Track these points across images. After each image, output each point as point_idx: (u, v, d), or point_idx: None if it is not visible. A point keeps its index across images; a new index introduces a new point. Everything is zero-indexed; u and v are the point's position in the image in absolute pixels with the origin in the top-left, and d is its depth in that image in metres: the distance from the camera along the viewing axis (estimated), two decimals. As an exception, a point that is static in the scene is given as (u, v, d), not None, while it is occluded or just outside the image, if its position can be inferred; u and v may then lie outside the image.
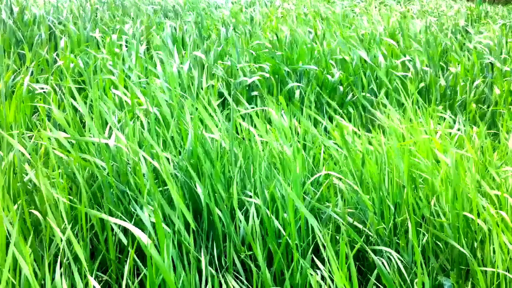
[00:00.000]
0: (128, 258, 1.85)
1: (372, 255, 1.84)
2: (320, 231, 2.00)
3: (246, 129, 2.53)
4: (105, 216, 1.79)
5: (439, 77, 4.13)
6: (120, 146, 2.13)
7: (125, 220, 1.89)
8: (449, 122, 3.08)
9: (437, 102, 3.83)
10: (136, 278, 1.93)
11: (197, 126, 2.24)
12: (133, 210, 2.01)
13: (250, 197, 2.10)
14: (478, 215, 2.01)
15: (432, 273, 1.98)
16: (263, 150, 2.38)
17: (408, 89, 3.66)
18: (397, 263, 1.94)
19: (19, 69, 3.72)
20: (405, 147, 2.25)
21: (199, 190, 2.04)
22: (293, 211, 1.89)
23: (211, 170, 2.09)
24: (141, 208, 2.02)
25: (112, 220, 1.79)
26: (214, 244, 2.04)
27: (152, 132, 2.33)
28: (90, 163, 2.10)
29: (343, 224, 2.05)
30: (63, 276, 1.68)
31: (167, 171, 1.97)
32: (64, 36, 4.55)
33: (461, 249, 1.91)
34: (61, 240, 1.72)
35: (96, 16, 5.74)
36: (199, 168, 2.15)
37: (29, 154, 2.17)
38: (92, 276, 1.88)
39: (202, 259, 1.78)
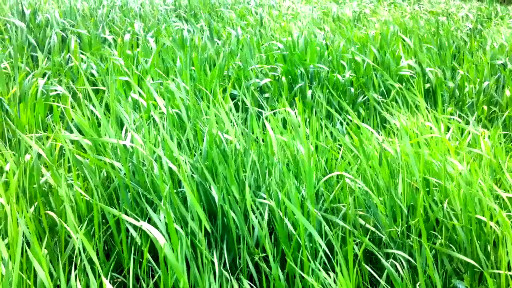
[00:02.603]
0: (143, 258, 1.87)
1: (382, 259, 1.84)
2: (331, 235, 2.01)
3: (261, 130, 2.54)
4: (120, 214, 1.80)
5: (450, 79, 4.12)
6: (137, 147, 2.14)
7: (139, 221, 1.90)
8: (459, 123, 3.08)
9: (446, 104, 3.82)
10: (151, 280, 1.95)
11: (211, 128, 2.26)
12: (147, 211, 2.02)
13: (264, 199, 2.11)
14: (491, 218, 2.02)
15: (446, 275, 1.99)
16: (277, 152, 2.39)
17: (414, 91, 3.66)
18: (409, 266, 1.95)
19: (32, 71, 3.75)
20: (419, 150, 2.25)
21: (214, 192, 2.06)
22: (301, 214, 1.90)
23: (226, 172, 2.10)
24: (155, 210, 2.04)
25: (126, 218, 1.80)
26: (229, 245, 2.05)
27: (167, 133, 2.35)
28: (106, 164, 2.11)
29: (354, 227, 2.06)
30: (78, 276, 1.70)
31: (184, 172, 1.99)
32: (76, 37, 4.58)
33: (467, 258, 1.91)
34: (76, 243, 1.74)
35: (108, 17, 5.77)
36: (214, 170, 2.17)
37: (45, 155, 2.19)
38: (107, 276, 1.90)
39: (215, 260, 1.79)
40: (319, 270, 1.82)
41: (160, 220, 1.89)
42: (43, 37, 4.64)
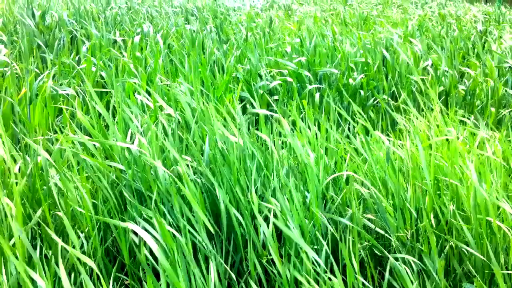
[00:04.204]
0: (147, 262, 1.87)
1: (392, 259, 1.83)
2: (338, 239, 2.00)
3: (269, 134, 2.53)
4: (111, 221, 1.80)
5: (459, 81, 4.11)
6: (143, 151, 2.14)
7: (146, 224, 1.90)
8: (471, 126, 3.07)
9: (457, 107, 3.81)
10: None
11: (213, 132, 2.26)
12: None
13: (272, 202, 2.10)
14: (503, 221, 2.00)
15: (456, 279, 1.98)
16: (282, 156, 2.38)
17: (428, 93, 3.64)
18: (419, 270, 1.94)
19: (41, 72, 3.76)
20: (430, 152, 2.24)
21: (219, 195, 2.05)
22: (288, 230, 1.89)
23: (229, 175, 2.10)
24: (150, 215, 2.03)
25: (121, 224, 1.80)
26: (236, 248, 2.04)
27: (174, 136, 2.35)
28: (113, 168, 2.12)
29: (363, 229, 2.05)
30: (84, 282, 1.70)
31: (186, 177, 1.98)
32: (85, 39, 4.59)
33: (477, 253, 1.90)
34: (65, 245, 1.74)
35: (117, 19, 5.79)
36: (220, 174, 2.16)
37: (54, 157, 2.20)
38: (110, 278, 1.90)
39: (212, 265, 1.79)
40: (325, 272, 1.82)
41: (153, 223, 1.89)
42: (52, 38, 4.66)
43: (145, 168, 2.12)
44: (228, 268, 1.93)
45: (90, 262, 1.63)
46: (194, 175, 2.20)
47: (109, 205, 2.08)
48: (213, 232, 1.93)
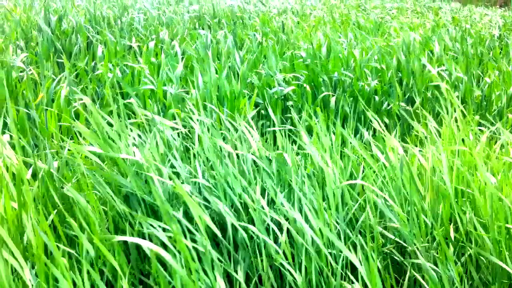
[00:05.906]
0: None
1: (427, 264, 1.82)
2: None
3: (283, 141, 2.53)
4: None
5: (475, 87, 4.08)
6: (143, 162, 2.14)
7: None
8: (492, 132, 3.04)
9: (472, 112, 3.78)
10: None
11: (215, 144, 2.26)
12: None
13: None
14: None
15: (473, 286, 1.96)
16: (298, 164, 2.37)
17: (445, 98, 3.62)
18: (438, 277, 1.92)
19: (58, 78, 3.79)
20: (450, 159, 2.23)
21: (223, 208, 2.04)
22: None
23: (236, 185, 2.10)
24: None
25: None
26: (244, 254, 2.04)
27: (180, 147, 2.36)
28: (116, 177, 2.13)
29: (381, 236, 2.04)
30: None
31: (183, 189, 1.98)
32: (101, 45, 4.62)
33: (496, 260, 1.88)
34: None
35: (132, 25, 5.82)
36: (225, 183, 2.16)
37: (67, 164, 2.23)
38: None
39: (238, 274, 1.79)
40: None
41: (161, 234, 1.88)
42: (69, 44, 4.70)
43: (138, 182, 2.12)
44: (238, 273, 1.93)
45: (114, 263, 1.63)
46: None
47: (112, 212, 2.09)
48: (219, 236, 1.93)
